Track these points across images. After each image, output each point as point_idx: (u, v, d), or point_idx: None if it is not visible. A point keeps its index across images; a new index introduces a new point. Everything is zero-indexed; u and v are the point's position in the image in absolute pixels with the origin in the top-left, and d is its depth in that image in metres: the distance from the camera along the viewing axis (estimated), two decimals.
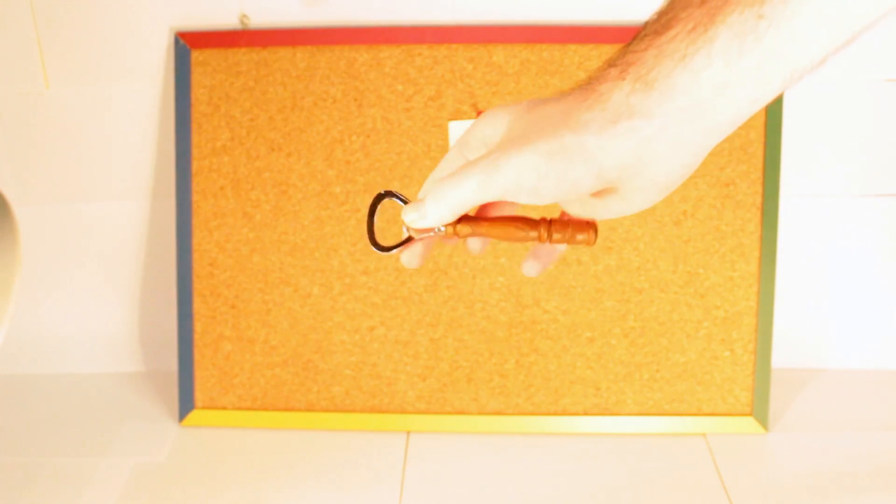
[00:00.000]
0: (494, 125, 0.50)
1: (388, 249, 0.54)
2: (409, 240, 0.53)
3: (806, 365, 1.13)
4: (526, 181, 0.47)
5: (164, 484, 0.96)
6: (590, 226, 0.51)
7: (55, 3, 1.03)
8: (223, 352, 1.05)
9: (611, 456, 0.99)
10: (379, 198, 0.56)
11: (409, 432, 1.03)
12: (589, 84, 0.47)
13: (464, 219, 0.52)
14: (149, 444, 1.03)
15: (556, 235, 0.51)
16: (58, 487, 0.96)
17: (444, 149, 1.01)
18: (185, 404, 1.05)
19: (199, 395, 1.05)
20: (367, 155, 1.02)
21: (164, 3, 1.03)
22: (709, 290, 1.01)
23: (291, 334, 1.04)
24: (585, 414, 1.03)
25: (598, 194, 0.48)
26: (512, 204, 0.54)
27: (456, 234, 0.52)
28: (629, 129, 0.45)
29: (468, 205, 0.49)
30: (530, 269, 0.55)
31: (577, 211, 0.51)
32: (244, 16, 1.03)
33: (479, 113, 1.00)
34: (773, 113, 0.99)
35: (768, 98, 0.44)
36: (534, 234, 0.52)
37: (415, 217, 0.51)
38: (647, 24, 0.46)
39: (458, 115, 1.01)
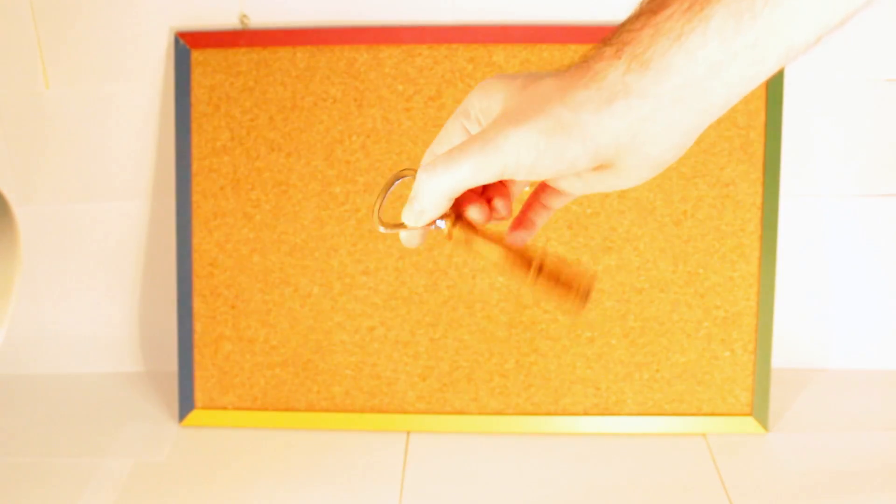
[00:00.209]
0: (491, 97, 0.50)
1: (393, 228, 0.52)
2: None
3: (806, 365, 1.13)
4: (524, 159, 0.47)
5: (164, 484, 0.96)
6: (580, 291, 0.48)
7: (55, 3, 1.03)
8: (223, 352, 1.05)
9: (611, 456, 0.99)
10: (396, 177, 0.54)
11: (409, 432, 1.03)
12: (585, 62, 0.47)
13: (463, 225, 0.51)
14: (149, 444, 1.03)
15: (541, 282, 0.49)
16: (58, 487, 0.96)
17: None
18: (185, 404, 1.05)
19: (199, 395, 1.05)
20: (367, 155, 1.02)
21: (164, 3, 1.03)
22: (709, 290, 1.01)
23: (291, 334, 1.04)
24: (585, 414, 1.03)
25: (593, 171, 0.48)
26: (507, 187, 0.53)
27: (449, 237, 0.51)
28: (625, 109, 0.45)
29: (466, 186, 0.48)
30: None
31: (573, 185, 0.51)
32: (244, 16, 1.03)
33: None
34: (773, 113, 0.99)
35: (762, 77, 0.44)
36: (522, 273, 0.49)
37: (412, 217, 0.50)
38: (642, 3, 0.46)
39: None
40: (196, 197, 1.03)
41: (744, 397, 1.02)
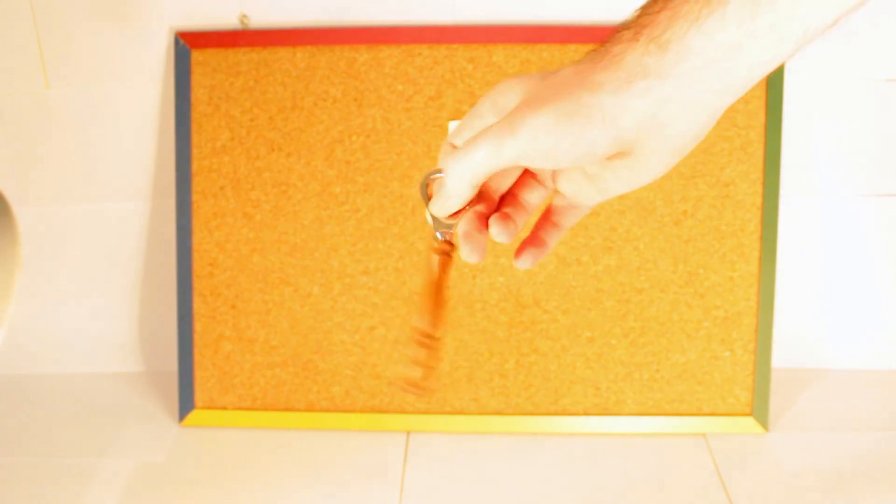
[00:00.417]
0: (507, 94, 0.50)
1: (451, 219, 0.52)
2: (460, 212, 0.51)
3: (806, 365, 1.13)
4: (542, 142, 0.46)
5: (164, 484, 0.96)
6: (423, 384, 0.49)
7: (55, 3, 1.03)
8: (223, 352, 1.05)
9: (611, 456, 0.99)
10: (429, 174, 0.54)
11: (409, 432, 1.03)
12: (602, 47, 0.47)
13: (444, 256, 0.51)
14: (149, 444, 1.03)
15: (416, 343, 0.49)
16: (58, 487, 0.96)
17: None
18: (185, 404, 1.05)
19: (199, 395, 1.05)
20: (367, 155, 1.02)
21: (164, 3, 1.03)
22: (709, 290, 1.01)
23: (291, 334, 1.04)
24: (585, 414, 1.03)
25: (611, 159, 0.48)
26: (528, 181, 0.54)
27: (433, 249, 0.52)
28: (645, 89, 0.45)
29: (484, 170, 0.48)
30: (524, 261, 0.55)
31: (588, 193, 0.51)
32: (244, 16, 1.03)
33: None
34: (773, 113, 0.99)
35: (781, 59, 0.44)
36: (419, 323, 0.50)
37: (439, 205, 0.50)
38: None
39: (458, 115, 1.01)
40: (196, 197, 1.03)
41: (744, 397, 1.02)
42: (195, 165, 1.03)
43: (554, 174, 0.53)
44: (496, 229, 0.52)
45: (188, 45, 1.03)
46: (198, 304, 1.04)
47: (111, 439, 1.04)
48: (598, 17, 1.01)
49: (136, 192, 1.10)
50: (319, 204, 1.03)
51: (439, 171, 0.52)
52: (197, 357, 1.05)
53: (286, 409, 1.05)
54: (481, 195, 0.52)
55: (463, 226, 0.52)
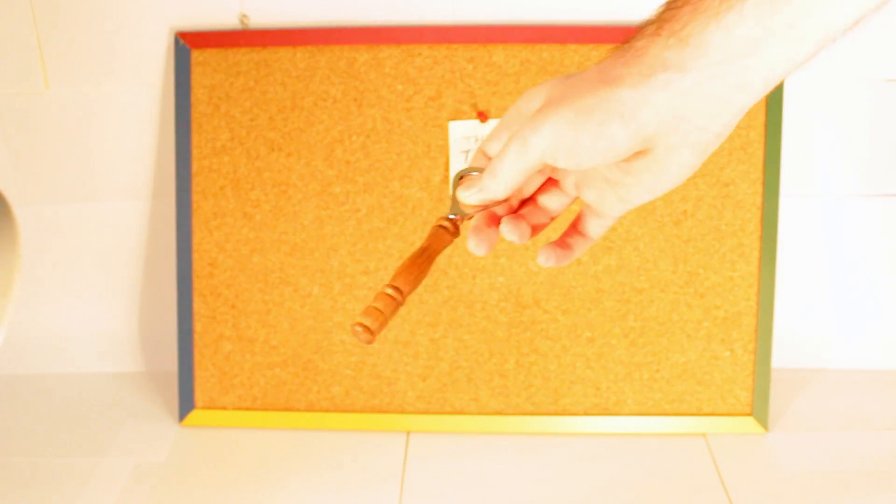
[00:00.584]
0: (532, 101, 0.51)
1: (472, 209, 0.54)
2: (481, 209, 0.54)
3: (806, 365, 1.13)
4: (563, 139, 0.47)
5: (164, 484, 0.96)
6: (365, 322, 0.51)
7: (55, 3, 1.03)
8: (223, 352, 1.05)
9: (611, 456, 0.99)
10: (459, 175, 0.56)
11: (409, 432, 1.03)
12: (626, 42, 0.48)
13: (451, 226, 0.54)
14: (149, 444, 1.03)
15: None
16: (58, 487, 0.96)
17: (443, 149, 1.01)
18: (185, 404, 1.05)
19: (199, 395, 1.05)
20: (367, 155, 1.02)
21: (164, 3, 1.03)
22: (709, 290, 1.01)
23: (291, 334, 1.04)
24: (585, 414, 1.03)
25: (632, 161, 0.48)
26: (550, 188, 0.55)
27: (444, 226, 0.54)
28: (664, 82, 0.45)
29: (517, 173, 0.50)
30: (547, 258, 0.56)
31: (610, 203, 0.52)
32: (244, 16, 1.03)
33: (479, 113, 1.00)
34: (773, 113, 0.99)
35: (802, 58, 0.45)
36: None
37: (472, 191, 0.52)
38: None
39: (458, 115, 1.01)
40: (196, 197, 1.03)
41: (744, 397, 1.02)
42: (195, 165, 1.03)
43: (577, 183, 0.54)
44: (506, 227, 0.54)
45: (188, 45, 1.03)
46: (198, 304, 1.04)
47: (111, 439, 1.04)
48: (598, 18, 1.01)
49: (136, 192, 1.10)
50: (319, 204, 1.03)
51: (477, 169, 0.53)
52: (197, 357, 1.05)
53: (286, 409, 1.05)
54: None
55: (474, 220, 0.54)
